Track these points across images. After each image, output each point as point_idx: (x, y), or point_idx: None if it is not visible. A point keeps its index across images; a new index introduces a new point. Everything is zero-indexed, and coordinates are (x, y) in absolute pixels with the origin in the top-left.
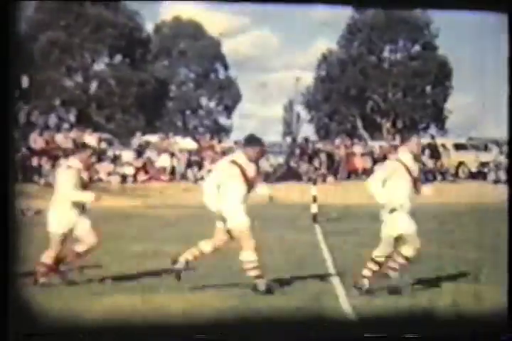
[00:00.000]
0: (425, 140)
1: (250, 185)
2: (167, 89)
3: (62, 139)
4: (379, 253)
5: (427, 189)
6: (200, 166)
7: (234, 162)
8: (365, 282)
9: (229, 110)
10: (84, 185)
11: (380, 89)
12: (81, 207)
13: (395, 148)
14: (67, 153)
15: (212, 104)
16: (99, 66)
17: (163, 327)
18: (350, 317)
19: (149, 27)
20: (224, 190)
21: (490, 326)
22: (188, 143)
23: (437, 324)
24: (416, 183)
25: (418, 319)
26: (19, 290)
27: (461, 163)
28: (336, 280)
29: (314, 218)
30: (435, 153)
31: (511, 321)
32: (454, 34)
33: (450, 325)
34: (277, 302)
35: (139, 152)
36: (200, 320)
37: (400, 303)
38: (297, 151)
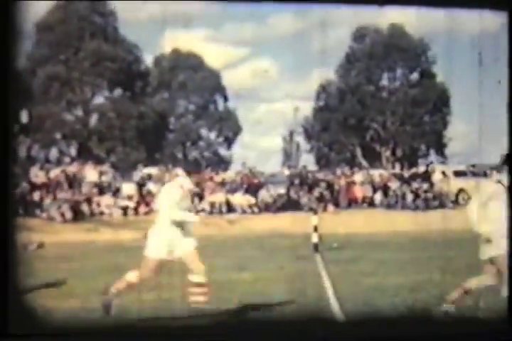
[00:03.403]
0: (423, 168)
1: None
2: (167, 122)
3: (62, 173)
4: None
5: None
6: (201, 198)
7: None
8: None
9: (229, 141)
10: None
11: (378, 118)
12: None
13: (395, 176)
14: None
15: (212, 136)
16: (99, 99)
17: (162, 328)
18: (350, 318)
19: (148, 59)
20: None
21: (490, 326)
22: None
23: (437, 324)
24: None
25: (418, 319)
26: (19, 291)
27: (461, 190)
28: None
29: (315, 247)
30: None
31: (511, 321)
32: (452, 61)
33: (450, 325)
34: None
35: (140, 184)
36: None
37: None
38: (297, 181)
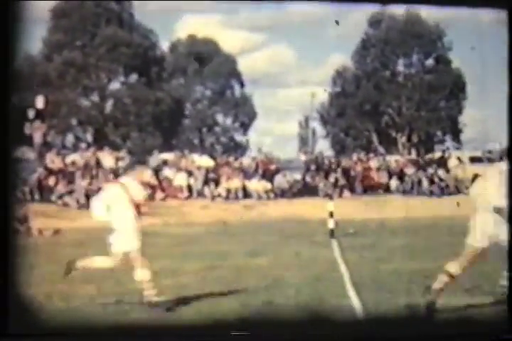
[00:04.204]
0: (439, 153)
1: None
2: (183, 107)
3: (79, 159)
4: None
5: None
6: (217, 183)
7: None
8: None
9: (245, 127)
10: None
11: (394, 104)
12: None
13: (411, 162)
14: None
15: (228, 121)
16: (115, 85)
17: (163, 327)
18: (351, 317)
19: (164, 45)
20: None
21: (490, 326)
22: (205, 161)
23: (437, 324)
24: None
25: (418, 319)
26: (19, 291)
27: (476, 176)
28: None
29: (331, 233)
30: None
31: (511, 321)
32: (468, 46)
33: (450, 325)
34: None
35: (156, 170)
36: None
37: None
38: (313, 167)
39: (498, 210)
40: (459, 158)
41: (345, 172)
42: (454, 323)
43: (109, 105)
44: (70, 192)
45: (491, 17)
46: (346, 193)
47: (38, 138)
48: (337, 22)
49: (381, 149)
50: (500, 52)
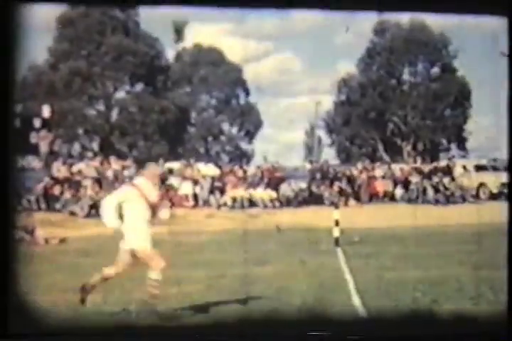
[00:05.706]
0: (444, 162)
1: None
2: (188, 116)
3: (85, 167)
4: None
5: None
6: (223, 192)
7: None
8: None
9: (250, 135)
10: None
11: (399, 112)
12: None
13: (416, 170)
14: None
15: (233, 130)
16: (121, 94)
17: (162, 327)
18: (351, 317)
19: (170, 54)
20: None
21: (490, 326)
22: (211, 169)
23: (437, 324)
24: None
25: (418, 319)
26: (19, 291)
27: (481, 184)
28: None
29: (336, 242)
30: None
31: (511, 321)
32: (472, 55)
33: (450, 325)
34: None
35: (162, 179)
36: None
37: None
38: (319, 175)
39: None
40: (464, 167)
41: (351, 180)
42: (454, 323)
43: (114, 114)
44: (76, 201)
45: (496, 24)
46: (351, 202)
47: (44, 147)
48: (347, 29)
49: (386, 157)
50: (505, 60)
